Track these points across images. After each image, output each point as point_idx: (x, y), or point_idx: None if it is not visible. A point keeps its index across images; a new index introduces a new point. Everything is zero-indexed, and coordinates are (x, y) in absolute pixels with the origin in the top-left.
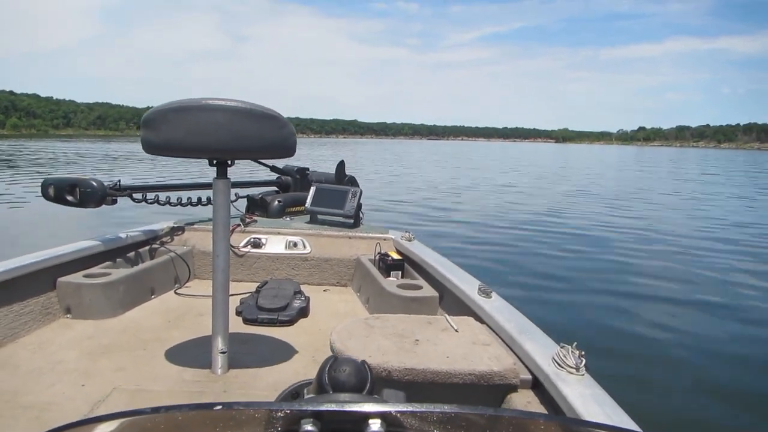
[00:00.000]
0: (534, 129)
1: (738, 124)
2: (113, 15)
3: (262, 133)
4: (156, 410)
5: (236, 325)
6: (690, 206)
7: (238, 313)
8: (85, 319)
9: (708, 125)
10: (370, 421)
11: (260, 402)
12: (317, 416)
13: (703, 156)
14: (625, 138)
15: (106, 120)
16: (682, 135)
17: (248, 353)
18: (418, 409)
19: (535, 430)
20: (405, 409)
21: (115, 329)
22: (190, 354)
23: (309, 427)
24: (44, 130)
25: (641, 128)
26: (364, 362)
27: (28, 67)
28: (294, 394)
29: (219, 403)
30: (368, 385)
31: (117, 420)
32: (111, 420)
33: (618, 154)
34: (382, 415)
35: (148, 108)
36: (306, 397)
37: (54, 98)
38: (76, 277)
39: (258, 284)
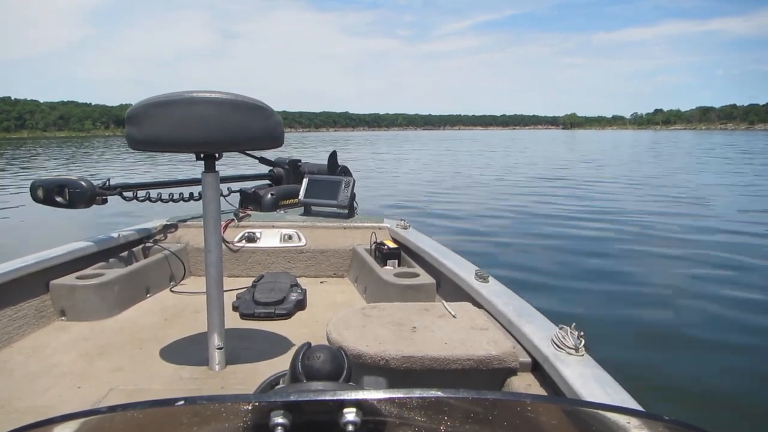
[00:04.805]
0: (534, 116)
1: None
2: (101, 16)
3: (249, 124)
4: (113, 409)
5: (233, 320)
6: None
7: (235, 308)
8: (80, 320)
9: (735, 105)
10: (345, 410)
11: (225, 395)
12: (288, 407)
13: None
14: (640, 122)
15: (69, 120)
16: (707, 117)
17: (246, 348)
18: (396, 395)
19: (521, 411)
20: (382, 396)
21: (111, 330)
22: (187, 351)
23: (279, 420)
24: None
25: (658, 111)
26: (340, 349)
27: (8, 73)
28: (272, 385)
29: (181, 398)
30: (345, 372)
31: (72, 420)
32: (66, 421)
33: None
34: (357, 403)
35: (120, 106)
36: (278, 387)
37: (12, 98)
38: (69, 279)
39: (254, 279)
